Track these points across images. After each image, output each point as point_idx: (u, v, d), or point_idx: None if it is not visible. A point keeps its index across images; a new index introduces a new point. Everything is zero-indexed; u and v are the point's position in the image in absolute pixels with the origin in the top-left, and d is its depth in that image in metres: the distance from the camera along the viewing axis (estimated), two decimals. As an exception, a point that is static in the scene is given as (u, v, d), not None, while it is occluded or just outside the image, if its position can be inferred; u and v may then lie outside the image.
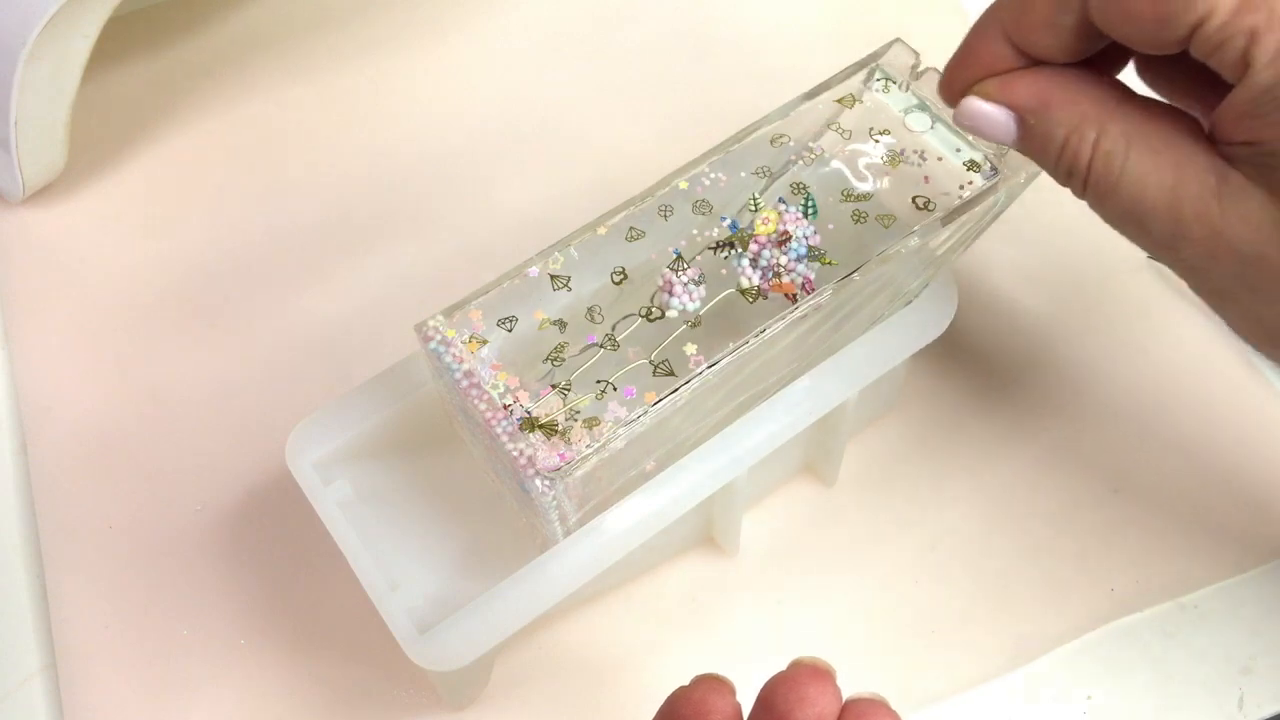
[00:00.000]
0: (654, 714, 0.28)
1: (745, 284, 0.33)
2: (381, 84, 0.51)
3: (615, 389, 0.32)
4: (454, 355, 0.32)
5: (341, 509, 0.34)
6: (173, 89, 0.51)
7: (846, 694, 0.27)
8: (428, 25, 0.53)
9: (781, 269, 0.33)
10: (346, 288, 0.46)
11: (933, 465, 0.42)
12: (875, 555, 0.40)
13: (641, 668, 0.38)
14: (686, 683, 0.28)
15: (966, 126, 0.31)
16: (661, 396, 0.31)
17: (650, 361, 0.32)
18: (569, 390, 0.32)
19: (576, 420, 0.31)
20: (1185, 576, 0.39)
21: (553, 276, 0.33)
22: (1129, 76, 0.31)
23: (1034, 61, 0.30)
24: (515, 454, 0.30)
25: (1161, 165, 0.28)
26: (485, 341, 0.32)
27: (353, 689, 0.38)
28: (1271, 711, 0.37)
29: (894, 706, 0.37)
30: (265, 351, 0.44)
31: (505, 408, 0.31)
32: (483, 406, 0.31)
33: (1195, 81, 0.30)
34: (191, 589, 0.39)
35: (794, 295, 0.33)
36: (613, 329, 0.33)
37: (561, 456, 0.30)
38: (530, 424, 0.31)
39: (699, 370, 0.32)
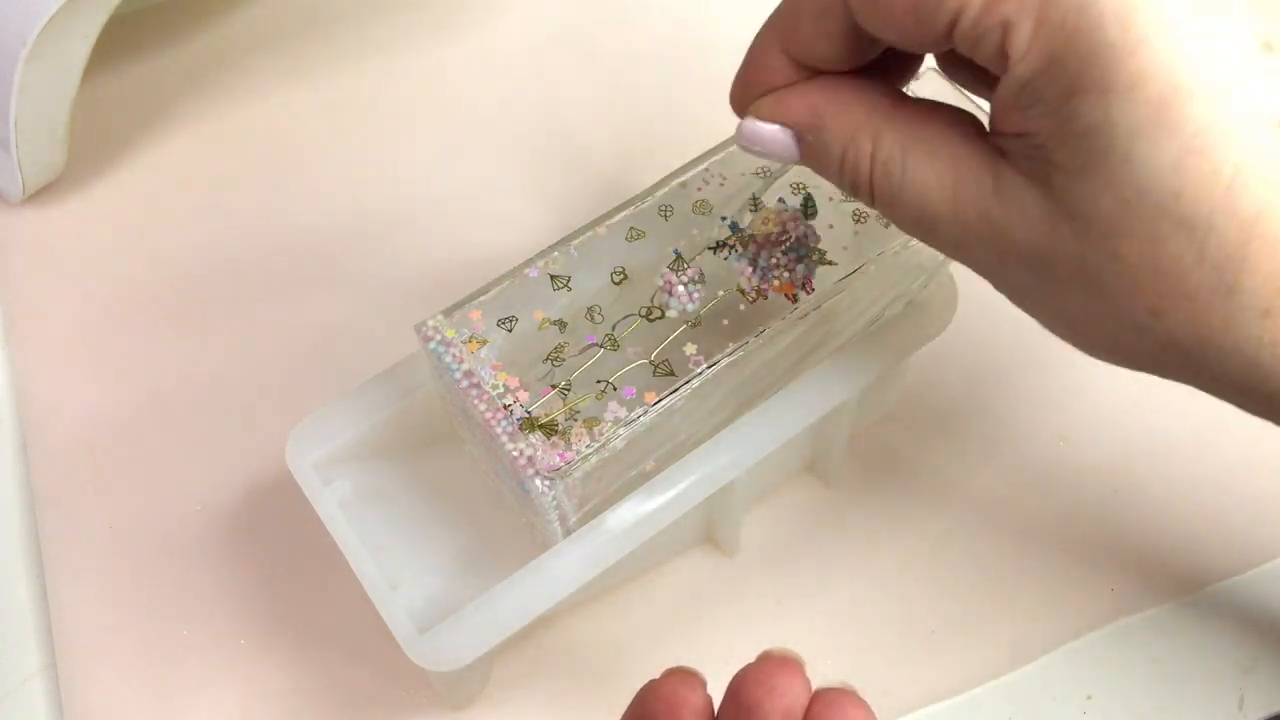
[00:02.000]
0: (625, 709, 0.28)
1: (745, 284, 0.33)
2: (382, 84, 0.51)
3: (615, 389, 0.32)
4: (454, 355, 0.32)
5: (341, 509, 0.34)
6: (173, 89, 0.51)
7: (830, 687, 0.27)
8: (427, 26, 0.53)
9: (781, 269, 0.33)
10: (346, 288, 0.46)
11: (933, 465, 0.42)
12: (875, 555, 0.40)
13: (641, 668, 0.38)
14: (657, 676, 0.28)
15: (747, 148, 0.30)
16: (661, 396, 0.31)
17: (650, 361, 0.32)
18: (569, 390, 0.32)
19: (576, 420, 0.31)
20: (1185, 576, 0.39)
21: (553, 276, 0.33)
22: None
23: (815, 73, 0.29)
24: (515, 454, 0.30)
25: (940, 168, 0.27)
26: (485, 341, 0.32)
27: (353, 689, 0.38)
28: (1271, 711, 0.37)
29: (893, 706, 0.37)
30: (265, 351, 0.44)
31: (505, 408, 0.31)
32: (482, 407, 0.31)
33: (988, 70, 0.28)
34: (191, 589, 0.39)
35: (794, 295, 0.33)
36: (613, 329, 0.33)
37: (561, 456, 0.30)
38: (530, 424, 0.31)
39: (699, 370, 0.32)
